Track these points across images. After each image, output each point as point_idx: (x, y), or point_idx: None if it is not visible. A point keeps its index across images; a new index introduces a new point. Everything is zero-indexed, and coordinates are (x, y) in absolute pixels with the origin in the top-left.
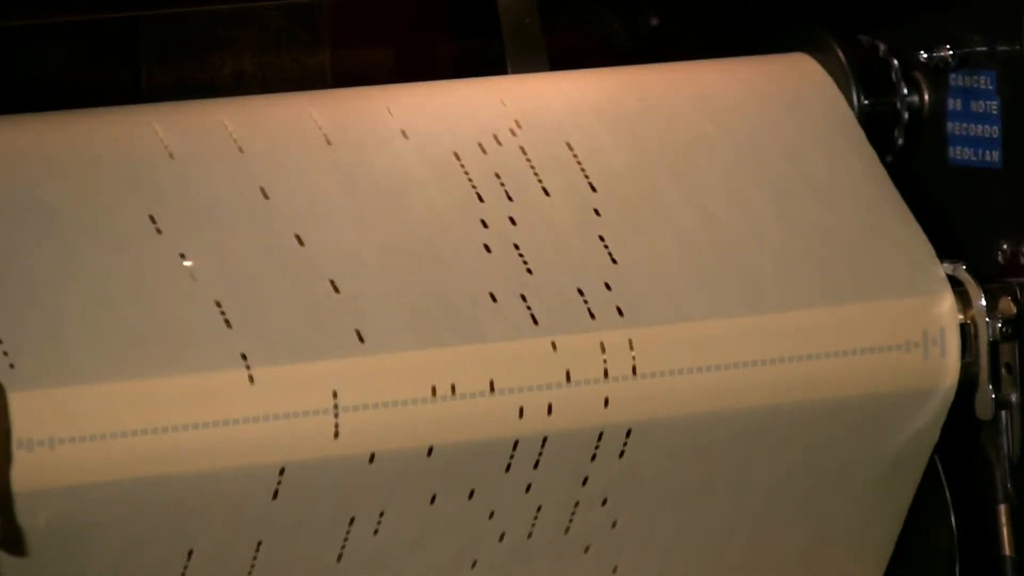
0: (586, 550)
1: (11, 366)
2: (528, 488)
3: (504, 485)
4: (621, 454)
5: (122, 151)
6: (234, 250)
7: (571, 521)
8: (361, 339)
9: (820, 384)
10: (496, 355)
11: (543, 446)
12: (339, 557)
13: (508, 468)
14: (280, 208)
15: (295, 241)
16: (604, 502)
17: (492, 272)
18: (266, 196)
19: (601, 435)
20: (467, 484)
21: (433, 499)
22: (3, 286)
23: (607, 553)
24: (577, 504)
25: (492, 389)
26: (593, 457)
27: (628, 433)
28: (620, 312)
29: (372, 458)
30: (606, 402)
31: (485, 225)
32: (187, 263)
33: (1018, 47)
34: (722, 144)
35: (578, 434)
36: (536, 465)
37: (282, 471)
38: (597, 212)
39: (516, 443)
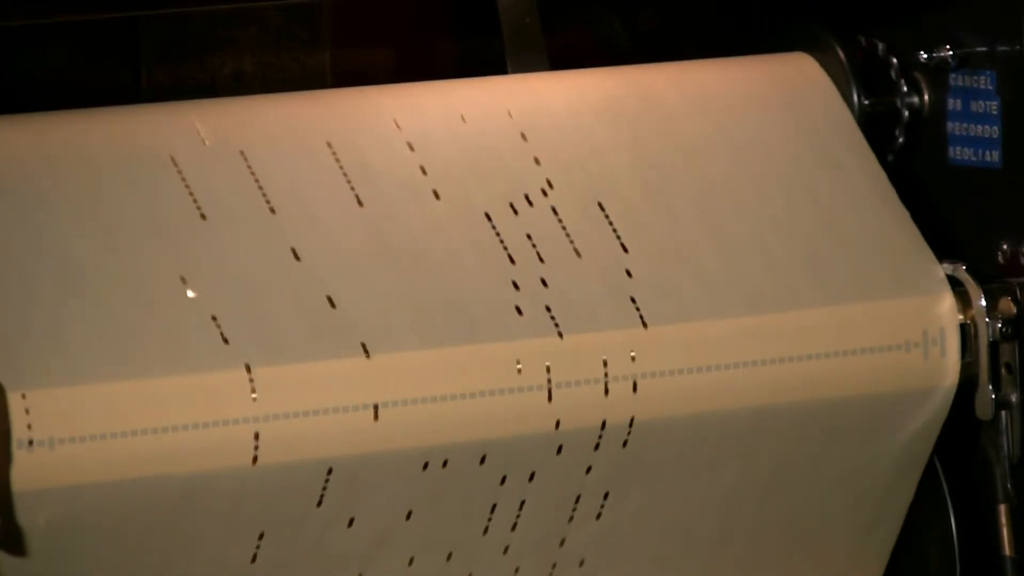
0: None
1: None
2: (506, 550)
3: (482, 547)
4: (599, 516)
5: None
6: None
7: None
8: (376, 415)
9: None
10: (497, 434)
11: (520, 508)
12: None
13: (486, 531)
14: (309, 267)
15: (327, 303)
16: (581, 563)
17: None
18: (297, 258)
19: (579, 497)
20: (445, 547)
21: (411, 561)
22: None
23: None
24: (555, 565)
25: (482, 461)
26: (570, 519)
27: (606, 495)
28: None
29: (351, 522)
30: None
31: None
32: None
33: (1018, 47)
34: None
35: (557, 493)
36: (513, 527)
37: (261, 535)
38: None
39: (494, 506)
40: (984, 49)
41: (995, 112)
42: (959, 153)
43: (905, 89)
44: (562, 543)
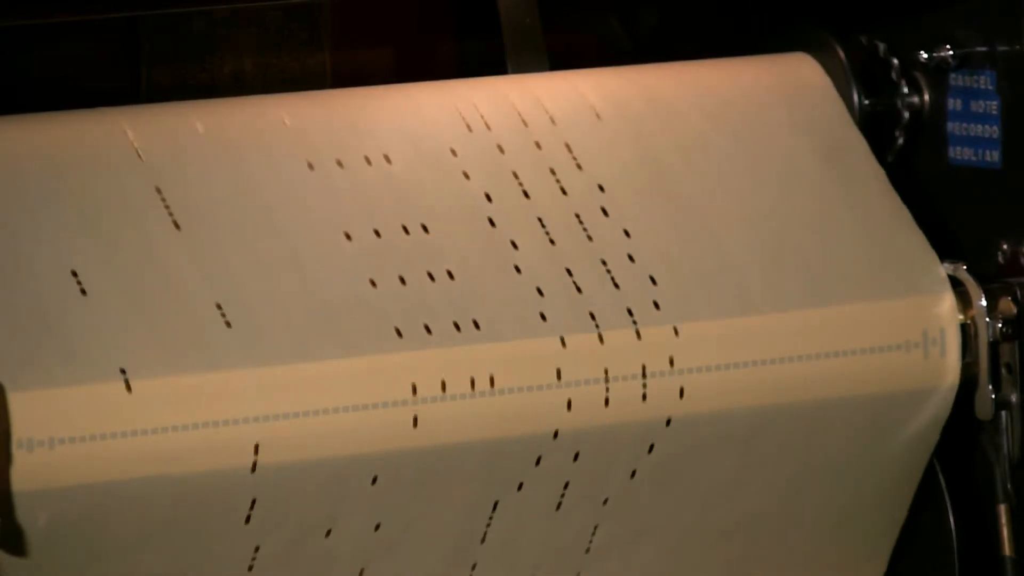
0: None
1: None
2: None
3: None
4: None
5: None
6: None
7: None
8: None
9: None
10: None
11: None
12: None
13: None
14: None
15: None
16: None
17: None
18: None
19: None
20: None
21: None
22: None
23: None
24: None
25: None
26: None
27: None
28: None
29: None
30: (606, 402)
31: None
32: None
33: (1018, 47)
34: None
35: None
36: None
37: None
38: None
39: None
40: (984, 49)
41: (995, 112)
42: (959, 153)
43: (905, 89)
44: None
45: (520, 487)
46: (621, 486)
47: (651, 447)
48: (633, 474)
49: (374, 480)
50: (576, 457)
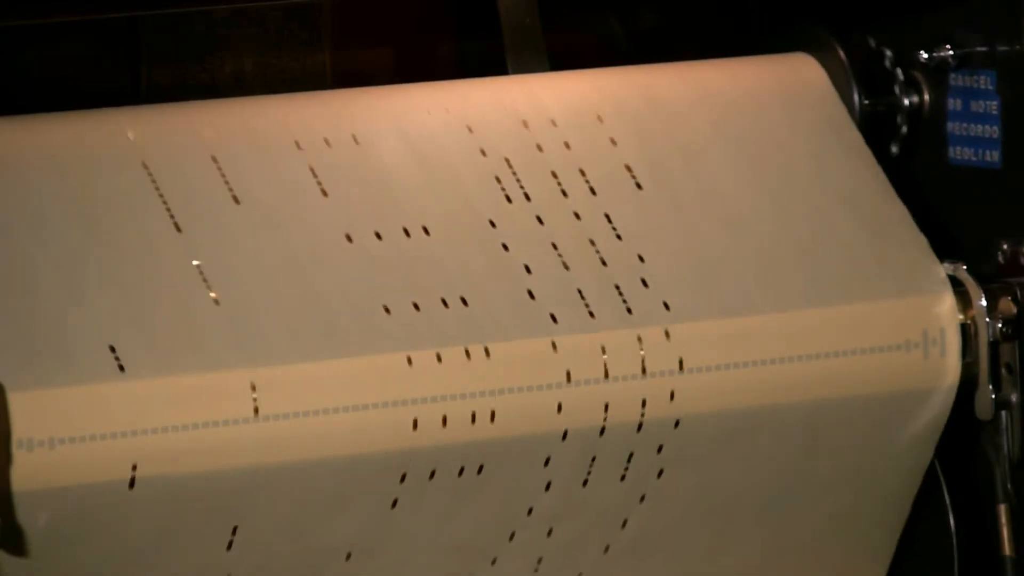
0: None
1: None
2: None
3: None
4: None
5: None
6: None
7: None
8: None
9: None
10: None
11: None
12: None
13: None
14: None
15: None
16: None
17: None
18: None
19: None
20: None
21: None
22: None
23: None
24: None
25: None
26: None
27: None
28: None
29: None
30: (606, 407)
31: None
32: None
33: (1018, 47)
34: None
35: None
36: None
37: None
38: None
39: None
40: (984, 49)
41: (995, 112)
42: (959, 153)
43: (905, 89)
44: (550, 533)
45: (494, 562)
46: (595, 562)
47: (625, 522)
48: (607, 549)
49: (348, 556)
50: (550, 533)
